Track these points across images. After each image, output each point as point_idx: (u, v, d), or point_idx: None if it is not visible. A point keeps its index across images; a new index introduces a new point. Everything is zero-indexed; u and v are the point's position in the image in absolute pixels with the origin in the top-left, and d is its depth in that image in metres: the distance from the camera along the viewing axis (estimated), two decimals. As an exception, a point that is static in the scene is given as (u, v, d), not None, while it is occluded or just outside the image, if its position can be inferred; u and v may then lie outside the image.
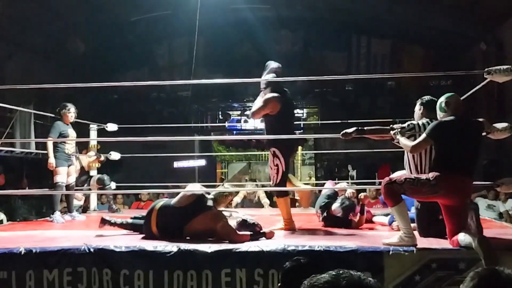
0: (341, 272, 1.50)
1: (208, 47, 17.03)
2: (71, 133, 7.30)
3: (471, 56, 15.28)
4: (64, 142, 7.11)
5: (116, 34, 16.00)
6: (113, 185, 8.24)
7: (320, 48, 17.60)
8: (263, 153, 19.66)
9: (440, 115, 4.46)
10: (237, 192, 5.45)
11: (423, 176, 4.24)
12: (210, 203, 5.14)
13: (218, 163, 20.53)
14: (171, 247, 4.33)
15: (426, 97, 5.12)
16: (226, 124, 18.98)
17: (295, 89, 18.01)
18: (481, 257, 3.76)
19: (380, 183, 4.48)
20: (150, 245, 4.43)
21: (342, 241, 4.42)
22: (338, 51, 17.54)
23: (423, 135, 4.35)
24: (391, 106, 16.86)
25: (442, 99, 4.47)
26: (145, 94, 17.56)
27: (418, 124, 4.88)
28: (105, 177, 8.30)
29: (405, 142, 4.54)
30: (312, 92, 18.65)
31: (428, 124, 4.69)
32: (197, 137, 17.33)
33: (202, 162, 17.45)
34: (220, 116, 19.28)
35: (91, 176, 8.42)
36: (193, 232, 4.95)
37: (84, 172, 8.40)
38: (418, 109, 5.13)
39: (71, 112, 7.30)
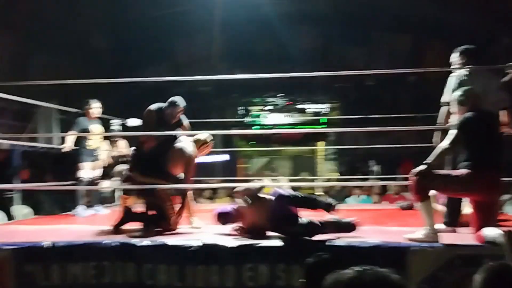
0: (365, 268, 1.49)
1: (229, 42, 17.03)
2: (94, 128, 7.36)
3: (494, 51, 15.09)
4: (87, 138, 7.18)
5: (138, 30, 16.07)
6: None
7: (341, 44, 17.51)
8: (284, 148, 19.66)
9: (459, 108, 4.40)
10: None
11: (455, 173, 4.19)
12: (183, 144, 5.38)
13: (239, 158, 20.53)
14: (193, 241, 4.35)
15: (464, 46, 5.09)
16: (247, 119, 18.96)
17: (316, 85, 17.97)
18: (506, 253, 3.71)
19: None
20: (173, 240, 4.46)
21: (366, 236, 4.40)
22: (359, 46, 17.43)
23: (453, 130, 4.28)
24: (413, 101, 16.73)
25: (460, 92, 4.41)
26: (166, 89, 17.56)
27: (462, 75, 4.86)
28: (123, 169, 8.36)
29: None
30: (333, 88, 18.56)
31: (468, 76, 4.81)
32: (217, 131, 17.30)
33: (225, 157, 17.48)
34: (240, 111, 19.27)
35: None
36: (173, 169, 5.29)
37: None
38: (457, 59, 5.10)
39: (93, 108, 7.38)
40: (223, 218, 5.00)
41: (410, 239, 4.17)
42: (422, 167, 4.17)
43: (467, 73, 4.87)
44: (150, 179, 5.25)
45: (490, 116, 4.40)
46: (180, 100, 5.93)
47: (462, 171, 4.15)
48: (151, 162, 5.29)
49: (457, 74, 4.93)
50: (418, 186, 4.19)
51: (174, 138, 5.54)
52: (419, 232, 4.19)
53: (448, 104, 4.84)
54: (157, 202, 5.22)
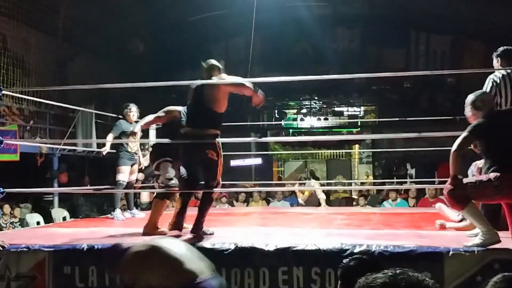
0: (398, 272, 1.47)
1: (265, 45, 17.07)
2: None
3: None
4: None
5: (174, 34, 16.23)
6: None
7: (378, 45, 17.37)
8: (319, 151, 19.60)
9: (473, 113, 4.32)
10: None
11: (485, 178, 4.10)
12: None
13: (274, 161, 20.54)
14: (228, 244, 4.36)
15: (500, 48, 5.00)
16: (282, 122, 18.98)
17: (352, 87, 17.87)
18: None
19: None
20: (208, 243, 4.48)
21: (401, 240, 4.35)
22: (397, 48, 17.26)
23: (464, 133, 4.17)
24: (451, 103, 16.51)
25: (475, 97, 4.33)
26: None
27: (496, 77, 4.77)
28: None
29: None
30: (369, 90, 18.43)
31: (502, 78, 4.70)
32: (252, 139, 17.33)
33: (258, 161, 17.51)
34: (276, 114, 19.29)
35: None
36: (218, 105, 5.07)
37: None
38: (496, 62, 5.01)
39: (132, 111, 7.44)
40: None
41: (470, 246, 4.04)
42: (450, 180, 4.10)
43: (501, 75, 4.78)
44: (207, 129, 5.05)
45: (507, 116, 4.31)
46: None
47: (491, 175, 4.05)
48: (198, 112, 5.09)
49: (492, 75, 4.85)
50: (454, 198, 4.11)
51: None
52: (477, 238, 4.08)
53: None
54: (212, 157, 5.01)
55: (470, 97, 4.36)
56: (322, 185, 12.82)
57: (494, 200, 4.28)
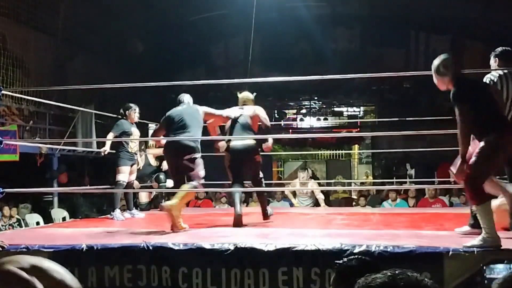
0: (397, 272, 1.47)
1: (264, 45, 17.04)
2: (135, 131, 7.46)
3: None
4: (129, 140, 7.27)
5: (174, 34, 16.22)
6: (170, 183, 8.33)
7: (377, 45, 17.36)
8: (319, 151, 19.57)
9: (438, 78, 4.42)
10: None
11: (490, 139, 4.06)
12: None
13: (273, 161, 20.50)
14: (228, 245, 4.36)
15: (499, 48, 5.01)
16: (282, 122, 18.94)
17: (351, 87, 17.84)
18: None
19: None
20: (208, 243, 4.48)
21: (400, 240, 4.35)
22: (396, 48, 17.25)
23: (456, 109, 4.20)
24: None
25: (438, 62, 4.38)
26: (202, 93, 17.65)
27: (493, 76, 4.78)
28: (161, 175, 8.47)
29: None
30: (369, 90, 18.40)
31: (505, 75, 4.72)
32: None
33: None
34: (275, 114, 19.25)
35: (157, 172, 8.64)
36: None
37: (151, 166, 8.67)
38: (493, 62, 5.04)
39: (136, 112, 7.49)
40: None
41: (468, 247, 4.04)
42: (459, 162, 4.08)
43: (498, 74, 4.79)
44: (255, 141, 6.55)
45: (477, 82, 4.54)
46: None
47: (493, 134, 4.05)
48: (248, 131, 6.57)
49: (489, 75, 4.86)
50: (473, 187, 4.08)
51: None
52: (478, 238, 4.06)
53: None
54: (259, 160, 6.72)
55: (434, 64, 4.41)
56: (320, 184, 12.83)
57: (502, 160, 4.26)
